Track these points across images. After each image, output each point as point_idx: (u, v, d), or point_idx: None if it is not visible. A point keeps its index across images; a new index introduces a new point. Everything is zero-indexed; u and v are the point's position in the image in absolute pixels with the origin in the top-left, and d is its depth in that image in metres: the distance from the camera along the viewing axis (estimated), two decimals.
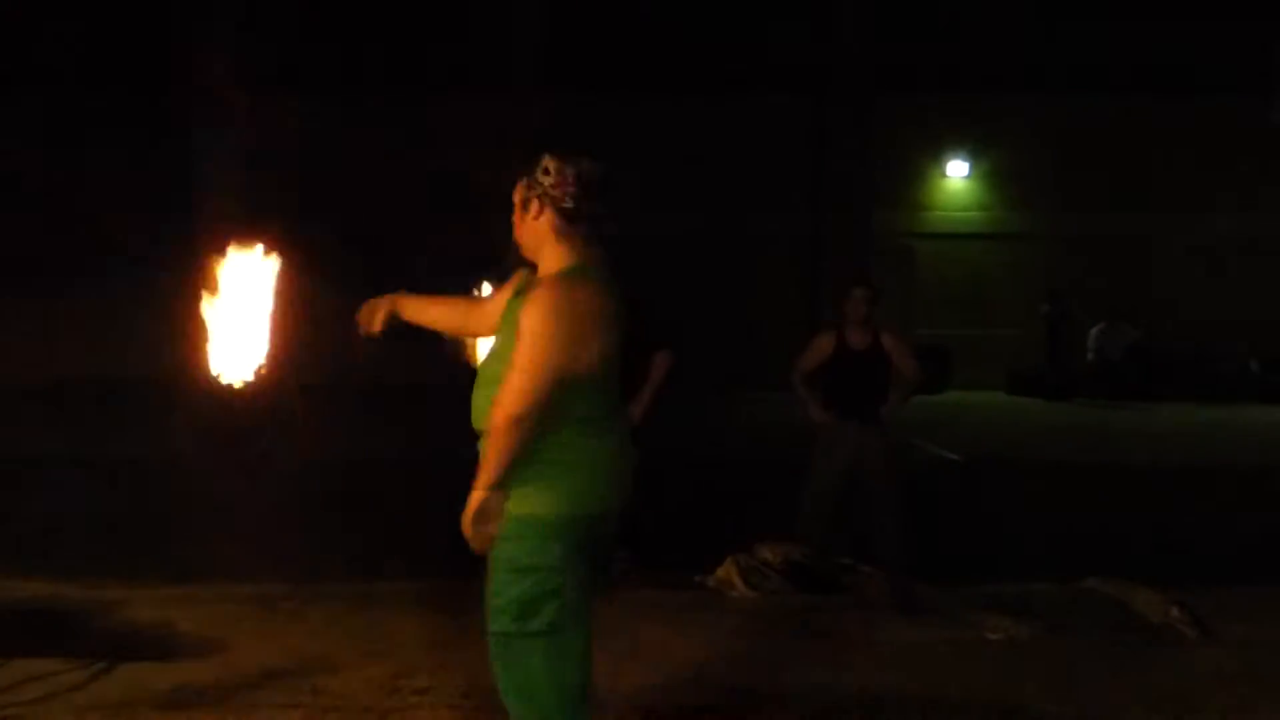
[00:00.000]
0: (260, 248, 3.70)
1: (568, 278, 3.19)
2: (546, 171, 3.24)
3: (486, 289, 3.83)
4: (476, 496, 3.13)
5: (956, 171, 20.45)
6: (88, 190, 18.04)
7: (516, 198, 3.29)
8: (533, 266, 3.33)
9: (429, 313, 3.62)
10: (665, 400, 6.32)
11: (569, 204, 3.22)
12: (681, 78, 18.39)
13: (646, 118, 18.51)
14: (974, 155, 20.29)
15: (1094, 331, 18.78)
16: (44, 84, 17.79)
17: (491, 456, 3.11)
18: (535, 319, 3.09)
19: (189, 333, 3.58)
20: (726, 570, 6.27)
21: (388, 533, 7.25)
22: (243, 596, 6.00)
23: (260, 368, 3.69)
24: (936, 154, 20.32)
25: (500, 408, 3.09)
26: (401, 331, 3.55)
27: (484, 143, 12.74)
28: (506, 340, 3.17)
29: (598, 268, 3.25)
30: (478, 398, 3.24)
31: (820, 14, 18.15)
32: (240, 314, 3.71)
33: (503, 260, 3.42)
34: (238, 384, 3.70)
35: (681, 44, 18.05)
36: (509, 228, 3.36)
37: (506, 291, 3.41)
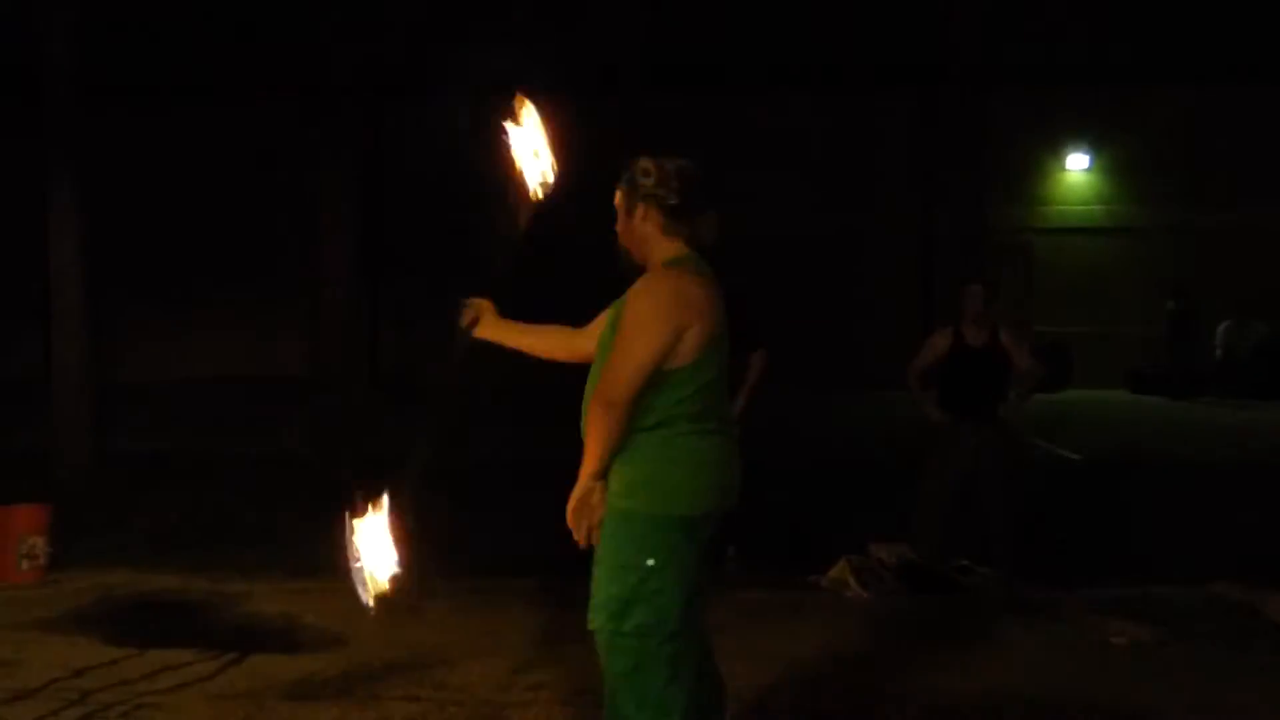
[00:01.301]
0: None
1: (671, 266, 3.21)
2: (646, 173, 3.24)
3: None
4: (580, 487, 3.15)
5: (1076, 164, 19.98)
6: (218, 198, 18.63)
7: (619, 204, 3.30)
8: (640, 270, 3.33)
9: (521, 340, 3.55)
10: (765, 399, 6.30)
11: (674, 200, 3.23)
12: (792, 74, 18.27)
13: (756, 115, 18.44)
14: (1095, 148, 19.81)
15: (1221, 328, 18.20)
16: (181, 97, 18.39)
17: (592, 444, 3.14)
18: (637, 306, 3.13)
19: None
20: (840, 571, 6.23)
21: (501, 531, 7.34)
22: None
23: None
24: (1055, 147, 19.88)
25: (599, 394, 3.11)
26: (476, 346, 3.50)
27: (594, 145, 12.82)
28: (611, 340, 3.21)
29: (701, 261, 3.26)
30: (587, 400, 3.25)
31: (933, 6, 17.88)
32: None
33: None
34: None
35: (793, 40, 17.93)
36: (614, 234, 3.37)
37: (608, 311, 3.43)
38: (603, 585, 3.15)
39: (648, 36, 16.10)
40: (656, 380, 3.10)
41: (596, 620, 3.16)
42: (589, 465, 3.14)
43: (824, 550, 6.43)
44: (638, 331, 3.10)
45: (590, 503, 3.15)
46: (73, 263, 9.67)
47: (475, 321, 3.49)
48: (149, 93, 18.02)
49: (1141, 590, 6.07)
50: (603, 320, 3.40)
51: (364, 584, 3.28)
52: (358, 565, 3.29)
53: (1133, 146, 19.46)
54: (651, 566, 3.10)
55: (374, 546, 3.30)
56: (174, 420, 13.27)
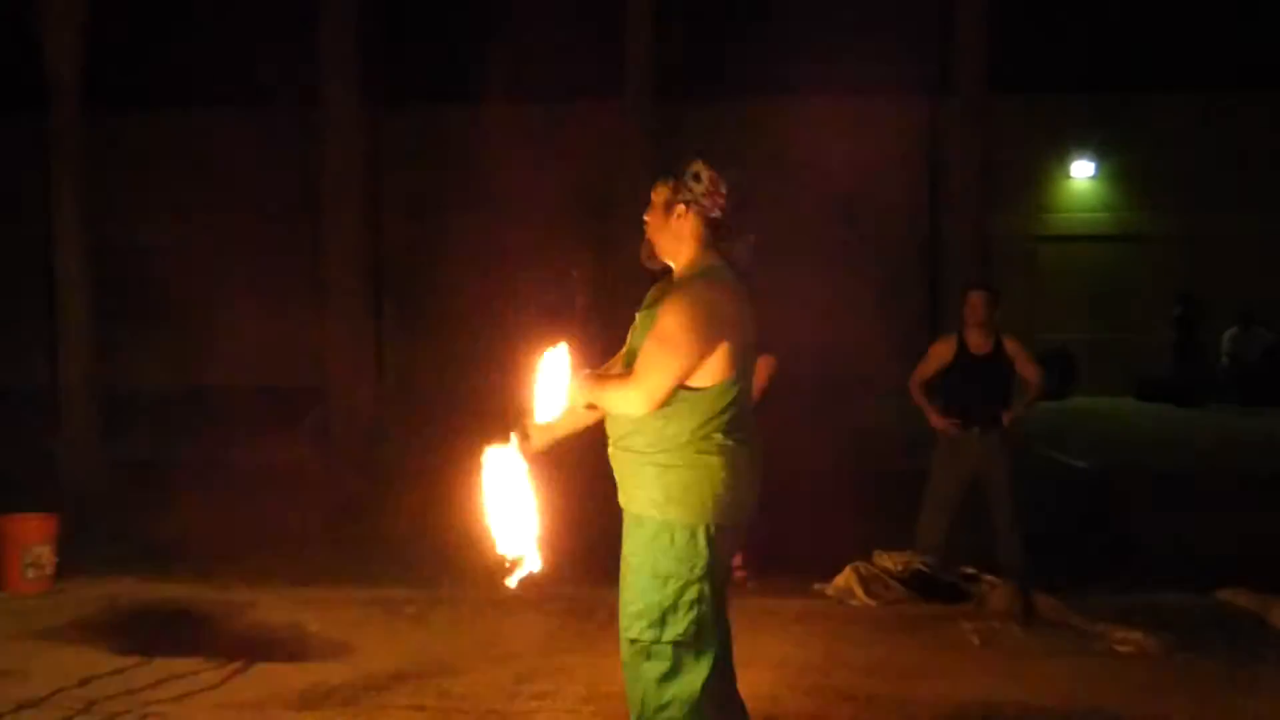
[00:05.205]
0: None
1: (705, 278, 3.17)
2: (697, 178, 3.19)
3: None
4: (586, 385, 3.17)
5: (1081, 172, 19.98)
6: (224, 204, 18.67)
7: (657, 198, 3.24)
8: (664, 269, 3.31)
9: (574, 425, 3.38)
10: (773, 407, 6.29)
11: (716, 214, 3.19)
12: (799, 78, 18.28)
13: (764, 120, 18.45)
14: (1101, 155, 19.81)
15: (1228, 335, 18.19)
16: (187, 104, 18.44)
17: (605, 389, 3.16)
18: (673, 320, 3.09)
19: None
20: (846, 579, 6.23)
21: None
22: (367, 600, 6.15)
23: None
24: (1060, 155, 19.88)
25: (630, 392, 3.10)
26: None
27: (603, 152, 12.86)
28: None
29: (730, 271, 3.22)
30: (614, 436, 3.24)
31: (937, 12, 17.90)
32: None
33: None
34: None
35: (798, 44, 17.95)
36: (637, 232, 3.33)
37: (638, 321, 3.39)
38: (641, 594, 3.13)
39: (655, 44, 16.10)
40: (689, 398, 3.09)
41: (635, 629, 3.13)
42: (601, 390, 3.17)
43: (830, 559, 6.42)
44: (672, 346, 3.08)
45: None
46: (78, 272, 9.68)
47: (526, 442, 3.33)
48: (154, 100, 18.07)
49: (1148, 598, 6.06)
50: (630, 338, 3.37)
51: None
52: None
53: (1138, 153, 19.45)
54: (691, 576, 3.09)
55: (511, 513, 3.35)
56: (179, 428, 13.27)
